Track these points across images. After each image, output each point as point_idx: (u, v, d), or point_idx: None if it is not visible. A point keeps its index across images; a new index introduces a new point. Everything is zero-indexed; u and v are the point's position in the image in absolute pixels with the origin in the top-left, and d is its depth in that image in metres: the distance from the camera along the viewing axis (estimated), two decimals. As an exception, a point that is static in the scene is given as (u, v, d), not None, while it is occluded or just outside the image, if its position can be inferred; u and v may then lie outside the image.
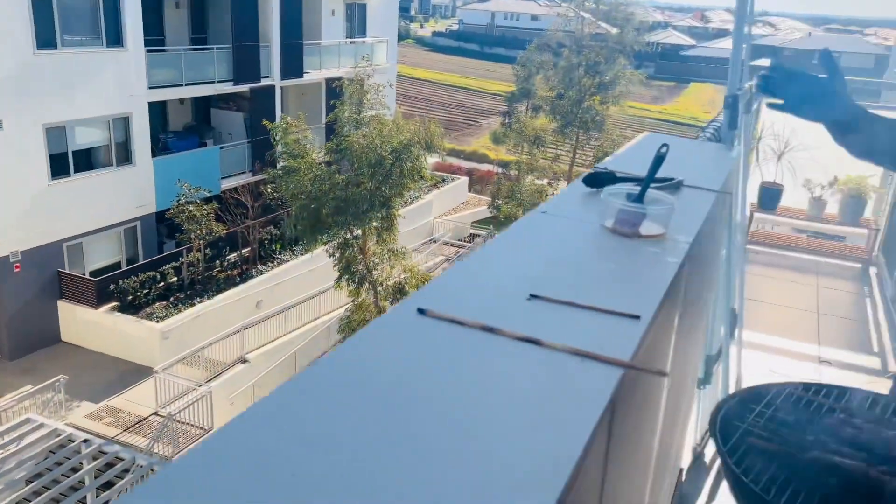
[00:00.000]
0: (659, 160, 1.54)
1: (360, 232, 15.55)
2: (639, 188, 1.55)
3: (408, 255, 17.06)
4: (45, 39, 14.08)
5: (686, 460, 3.02)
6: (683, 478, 2.93)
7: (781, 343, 4.04)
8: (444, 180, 27.94)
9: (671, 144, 2.59)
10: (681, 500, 2.81)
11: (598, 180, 1.75)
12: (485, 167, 37.39)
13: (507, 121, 36.38)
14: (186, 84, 17.65)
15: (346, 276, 15.41)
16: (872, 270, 5.27)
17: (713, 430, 1.58)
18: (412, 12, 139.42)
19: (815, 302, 4.72)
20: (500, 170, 34.97)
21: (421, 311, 1.00)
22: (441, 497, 0.64)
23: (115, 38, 15.49)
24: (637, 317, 1.07)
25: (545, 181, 20.47)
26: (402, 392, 0.81)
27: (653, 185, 1.75)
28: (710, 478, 2.75)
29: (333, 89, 19.26)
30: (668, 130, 54.97)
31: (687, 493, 2.86)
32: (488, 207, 27.55)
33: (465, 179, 30.00)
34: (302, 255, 18.06)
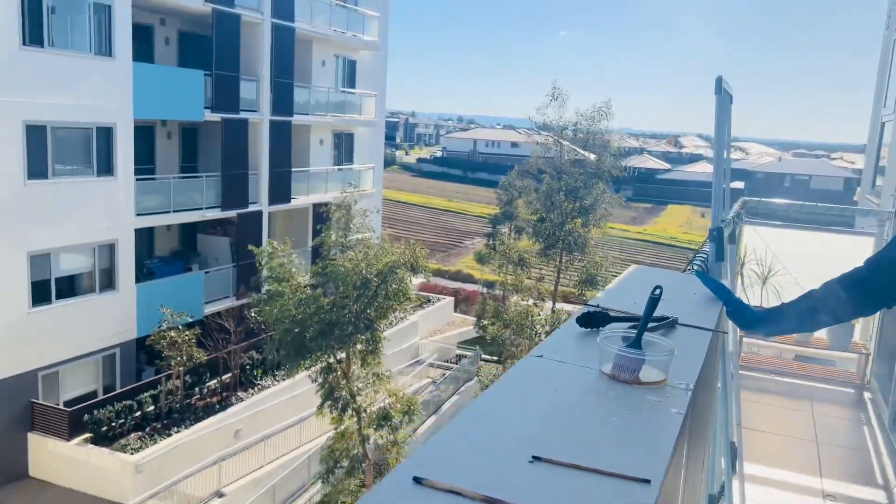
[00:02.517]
0: (653, 303, 1.52)
1: (343, 355, 15.32)
2: (634, 329, 1.52)
3: (393, 378, 16.74)
4: (37, 170, 14.34)
5: None
6: None
7: (783, 476, 3.90)
8: (429, 301, 27.96)
9: (660, 278, 2.60)
10: None
11: (592, 320, 1.72)
12: (470, 287, 37.61)
13: (490, 242, 37.02)
14: (174, 211, 17.90)
15: (329, 402, 15.02)
16: (867, 396, 5.20)
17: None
18: (398, 140, 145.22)
19: (813, 430, 4.61)
20: (485, 289, 35.15)
21: (417, 481, 0.94)
22: None
23: (106, 168, 15.82)
24: (647, 481, 1.01)
25: (531, 301, 20.53)
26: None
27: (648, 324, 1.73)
28: None
29: (320, 214, 19.60)
30: (649, 250, 56.01)
31: None
32: (474, 327, 27.42)
33: (450, 300, 30.05)
34: (283, 380, 17.69)
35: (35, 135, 14.20)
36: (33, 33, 13.94)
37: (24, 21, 13.73)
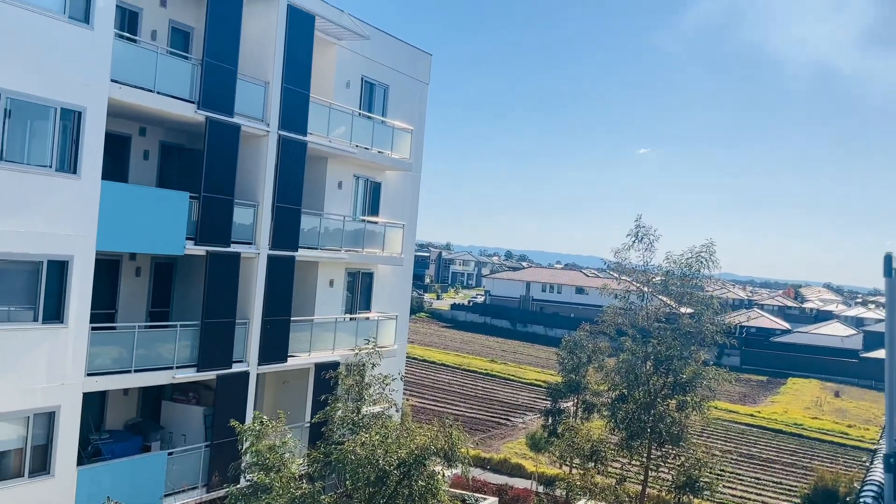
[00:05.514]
0: None
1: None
2: None
3: None
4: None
5: None
6: None
7: None
8: (464, 502, 27.20)
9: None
10: None
11: None
12: (520, 483, 36.56)
13: (549, 422, 36.38)
14: (136, 370, 18.06)
15: None
16: None
17: None
18: (427, 279, 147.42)
19: None
20: (541, 488, 34.16)
21: None
22: None
23: (55, 313, 16.18)
24: None
25: (605, 507, 19.87)
26: None
27: None
28: None
29: (324, 379, 19.60)
30: (766, 440, 54.32)
31: None
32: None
33: (493, 500, 29.23)
34: None
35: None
36: (-17, 143, 14.82)
37: (-26, 128, 14.64)
